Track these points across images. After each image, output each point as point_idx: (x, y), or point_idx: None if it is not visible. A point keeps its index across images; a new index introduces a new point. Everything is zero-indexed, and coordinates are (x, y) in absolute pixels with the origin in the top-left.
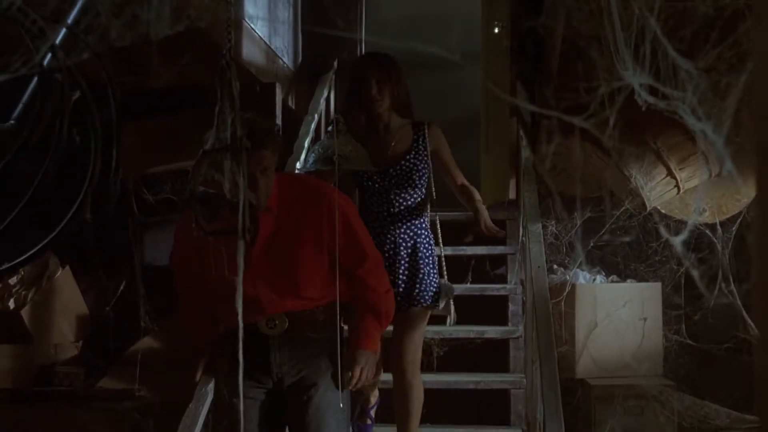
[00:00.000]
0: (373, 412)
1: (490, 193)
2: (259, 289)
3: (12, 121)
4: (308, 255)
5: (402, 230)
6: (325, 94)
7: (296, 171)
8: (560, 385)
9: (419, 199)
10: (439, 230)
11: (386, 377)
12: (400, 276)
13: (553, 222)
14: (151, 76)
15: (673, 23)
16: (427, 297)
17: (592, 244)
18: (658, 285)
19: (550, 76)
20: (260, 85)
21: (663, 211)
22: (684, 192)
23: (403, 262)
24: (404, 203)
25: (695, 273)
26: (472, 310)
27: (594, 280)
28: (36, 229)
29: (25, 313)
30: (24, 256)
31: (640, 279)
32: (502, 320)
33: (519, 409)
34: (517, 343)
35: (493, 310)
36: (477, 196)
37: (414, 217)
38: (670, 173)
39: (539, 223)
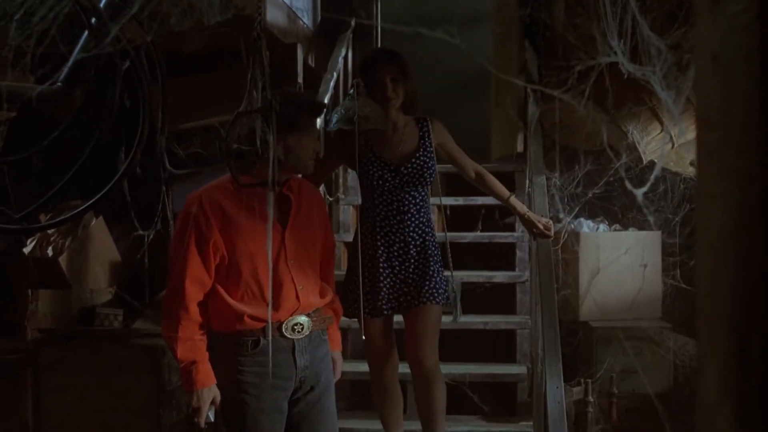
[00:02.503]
0: None
1: (499, 146)
2: (294, 273)
3: (59, 83)
4: (316, 248)
5: (411, 228)
6: (343, 53)
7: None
8: (564, 326)
9: (426, 195)
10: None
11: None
12: (411, 275)
13: (556, 174)
14: (186, 41)
15: (650, 2)
16: (437, 294)
17: (591, 195)
18: (657, 233)
19: (553, 49)
20: (283, 47)
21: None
22: (679, 146)
23: (412, 260)
24: (413, 201)
25: (651, 219)
26: (482, 256)
27: (597, 228)
28: (82, 186)
29: (62, 260)
30: (78, 210)
31: (640, 228)
32: (510, 266)
33: (524, 348)
34: (523, 287)
35: (502, 256)
36: (503, 188)
37: (422, 214)
38: (664, 129)
39: (543, 176)
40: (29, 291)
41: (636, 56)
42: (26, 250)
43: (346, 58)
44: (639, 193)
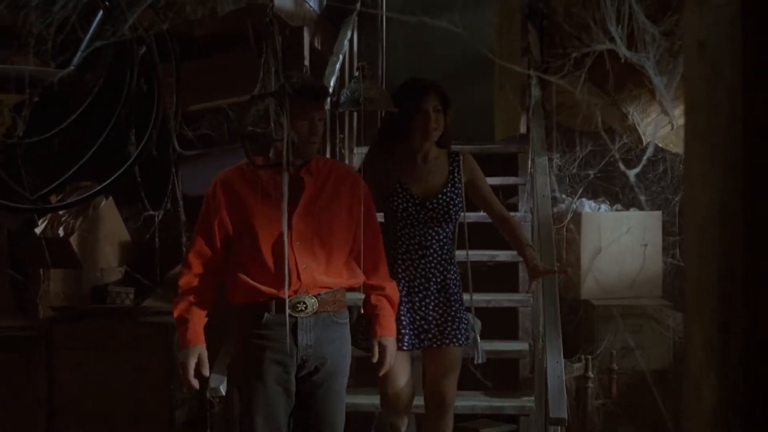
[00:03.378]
0: None
1: (502, 128)
2: (298, 253)
3: (72, 67)
4: (339, 230)
5: (432, 264)
6: (349, 35)
7: None
8: (565, 305)
9: (450, 232)
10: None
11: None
12: (431, 312)
13: (558, 155)
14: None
15: None
16: (460, 335)
17: (592, 175)
18: (658, 213)
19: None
20: (289, 30)
21: (660, 144)
22: (678, 127)
23: (433, 297)
24: (436, 236)
25: (642, 198)
26: (485, 235)
27: (599, 208)
28: (93, 168)
29: (73, 240)
30: (92, 191)
31: (642, 208)
32: None
33: (526, 325)
34: (525, 265)
35: None
36: (525, 235)
37: (444, 251)
38: (664, 111)
39: (545, 156)
40: (41, 270)
41: (632, 42)
42: (38, 230)
43: (351, 41)
44: (631, 174)
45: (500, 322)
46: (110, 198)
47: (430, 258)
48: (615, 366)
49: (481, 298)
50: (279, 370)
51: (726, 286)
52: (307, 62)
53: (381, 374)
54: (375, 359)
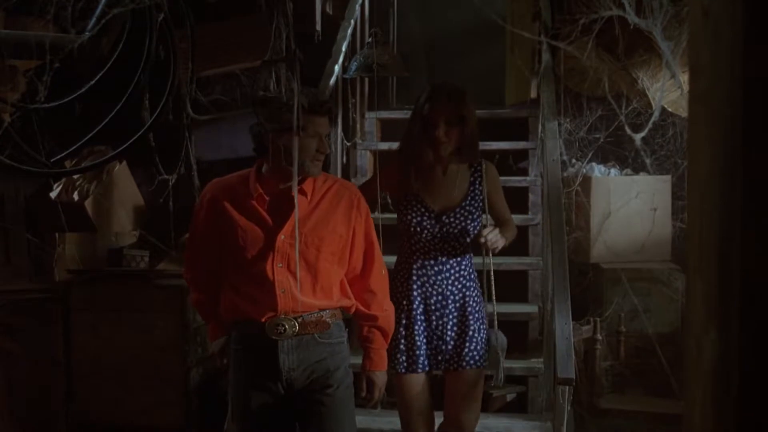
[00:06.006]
0: None
1: (513, 92)
2: (278, 276)
3: (87, 33)
4: (330, 252)
5: (450, 281)
6: (360, 0)
7: (335, 75)
8: (575, 268)
9: (470, 246)
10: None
11: None
12: (449, 332)
13: (568, 120)
14: None
15: None
16: (477, 357)
17: (602, 139)
18: (667, 178)
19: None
20: None
21: (669, 109)
22: (686, 92)
23: (451, 317)
24: (454, 252)
25: (648, 161)
26: None
27: (608, 173)
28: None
29: (88, 204)
30: (109, 155)
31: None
32: (523, 209)
33: (536, 288)
34: (535, 229)
35: (515, 199)
36: (512, 232)
37: (463, 267)
38: (673, 76)
39: (555, 121)
40: (56, 234)
41: (641, 8)
42: (53, 194)
43: (362, 5)
44: (638, 137)
45: (510, 285)
46: (124, 162)
47: (448, 275)
48: (623, 328)
49: (493, 261)
50: (259, 394)
51: (725, 245)
52: (318, 27)
53: (369, 407)
54: (363, 394)
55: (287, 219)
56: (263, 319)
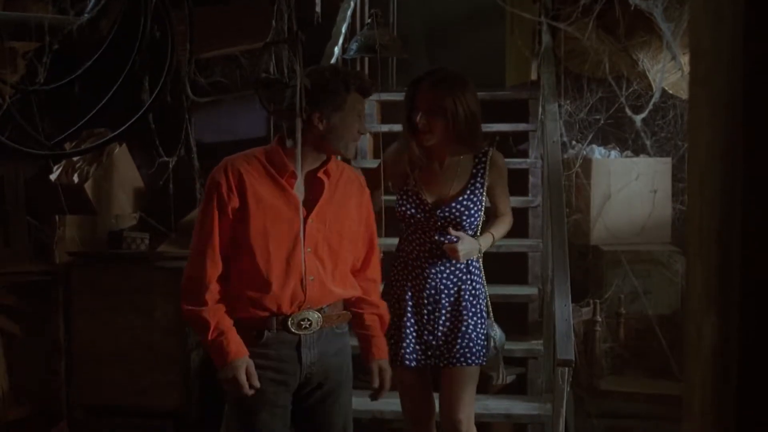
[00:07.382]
0: None
1: (514, 74)
2: (308, 262)
3: (86, 15)
4: (347, 237)
5: (445, 275)
6: None
7: (335, 57)
8: (575, 250)
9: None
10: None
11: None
12: (440, 327)
13: (568, 101)
14: None
15: None
16: (470, 355)
17: (602, 121)
18: (668, 160)
19: None
20: None
21: (670, 91)
22: (687, 74)
23: (444, 311)
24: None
25: (648, 143)
26: None
27: (609, 155)
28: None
29: (88, 186)
30: (108, 137)
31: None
32: (523, 191)
33: (536, 270)
34: (535, 211)
35: (515, 181)
36: (501, 230)
37: (459, 261)
38: (674, 57)
39: (556, 103)
40: (56, 216)
41: None
42: (53, 176)
43: None
44: (637, 119)
45: (510, 267)
46: (124, 145)
47: (442, 268)
48: (623, 310)
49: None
50: (281, 390)
51: (725, 227)
52: (318, 9)
53: (379, 398)
54: (375, 384)
55: (315, 201)
56: (287, 312)
